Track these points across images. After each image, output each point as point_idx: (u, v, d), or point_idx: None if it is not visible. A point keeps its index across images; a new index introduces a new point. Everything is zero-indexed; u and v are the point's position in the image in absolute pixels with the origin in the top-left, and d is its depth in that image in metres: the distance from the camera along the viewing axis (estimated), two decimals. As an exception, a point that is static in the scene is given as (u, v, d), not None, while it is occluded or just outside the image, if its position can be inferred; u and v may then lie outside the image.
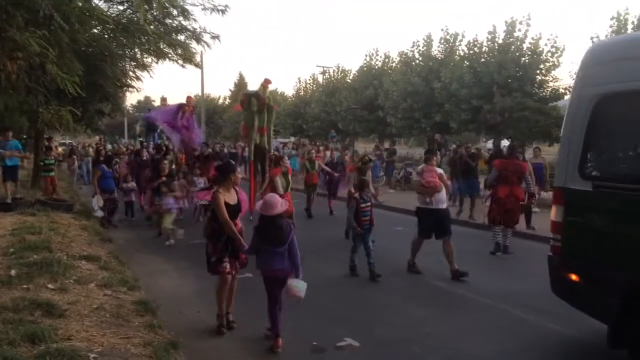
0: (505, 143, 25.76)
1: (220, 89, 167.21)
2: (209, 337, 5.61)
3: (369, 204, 8.03)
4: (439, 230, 8.13)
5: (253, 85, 70.68)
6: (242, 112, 13.80)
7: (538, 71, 25.90)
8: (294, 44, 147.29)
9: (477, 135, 33.99)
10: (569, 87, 26.22)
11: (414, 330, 5.80)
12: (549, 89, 26.18)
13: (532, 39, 25.81)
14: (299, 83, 47.73)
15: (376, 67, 37.24)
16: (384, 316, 6.28)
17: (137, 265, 8.53)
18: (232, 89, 64.24)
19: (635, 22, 23.78)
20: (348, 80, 39.71)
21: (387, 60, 37.24)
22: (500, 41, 26.49)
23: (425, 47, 31.56)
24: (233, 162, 6.24)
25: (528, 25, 25.92)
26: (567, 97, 26.42)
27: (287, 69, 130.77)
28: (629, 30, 23.83)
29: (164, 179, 11.30)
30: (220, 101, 66.26)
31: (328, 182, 15.26)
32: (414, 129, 32.10)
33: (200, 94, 42.27)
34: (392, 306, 6.71)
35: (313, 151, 15.20)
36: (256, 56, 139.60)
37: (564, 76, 43.69)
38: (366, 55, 40.57)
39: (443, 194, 8.20)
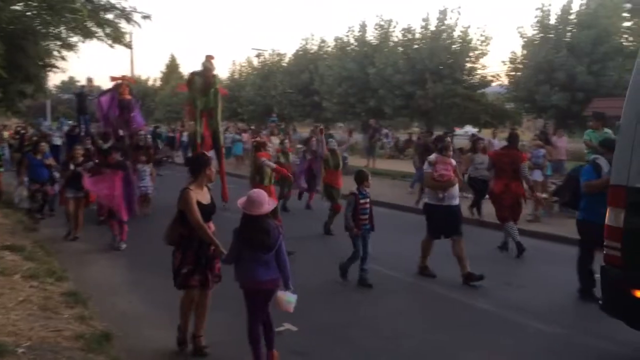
0: (471, 130, 26.36)
1: (151, 71, 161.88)
2: (143, 327, 5.48)
3: (368, 199, 7.01)
4: (450, 228, 7.29)
5: (186, 67, 68.98)
6: (188, 93, 12.79)
7: (468, 59, 26.74)
8: (228, 26, 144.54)
9: (411, 121, 34.75)
10: (497, 74, 27.30)
11: (351, 314, 5.92)
12: (478, 77, 27.12)
13: (463, 27, 26.59)
14: (234, 66, 47.00)
15: (312, 52, 37.20)
16: (322, 301, 6.36)
17: (66, 255, 8.20)
18: (164, 71, 62.47)
19: (559, 13, 24.96)
20: (283, 64, 39.46)
21: (322, 44, 37.27)
22: (433, 28, 27.11)
23: (360, 33, 31.81)
24: (207, 155, 5.24)
25: (459, 14, 26.69)
26: (494, 84, 27.52)
27: (222, 52, 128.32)
28: (552, 22, 25.00)
29: (72, 167, 9.56)
30: (151, 83, 64.21)
31: (308, 172, 12.52)
32: (348, 113, 32.41)
33: (129, 75, 40.75)
34: (329, 291, 6.81)
35: (287, 141, 13.55)
36: (189, 37, 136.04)
37: (491, 64, 45.33)
38: (302, 40, 40.46)
39: (456, 188, 7.39)
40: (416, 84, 26.30)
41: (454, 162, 7.46)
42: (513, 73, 26.42)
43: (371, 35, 31.54)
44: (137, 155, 11.92)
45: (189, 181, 4.83)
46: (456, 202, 7.34)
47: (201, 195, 4.78)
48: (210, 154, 15.50)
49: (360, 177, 6.99)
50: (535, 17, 25.43)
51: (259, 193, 4.40)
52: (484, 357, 4.98)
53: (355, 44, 31.84)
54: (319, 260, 8.18)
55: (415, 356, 4.95)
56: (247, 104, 40.31)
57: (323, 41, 37.40)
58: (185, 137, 25.02)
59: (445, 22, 26.76)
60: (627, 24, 26.04)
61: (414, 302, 6.61)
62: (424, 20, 27.55)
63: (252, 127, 28.85)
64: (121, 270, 7.60)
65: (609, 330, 5.28)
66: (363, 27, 31.76)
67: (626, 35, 24.93)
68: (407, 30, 28.41)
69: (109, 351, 4.59)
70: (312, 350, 5.00)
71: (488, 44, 26.54)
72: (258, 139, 11.48)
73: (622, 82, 22.92)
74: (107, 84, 13.43)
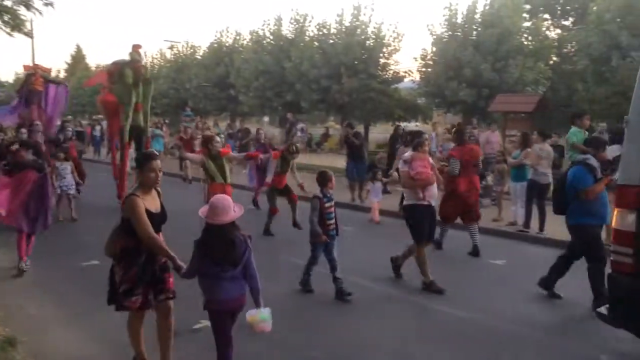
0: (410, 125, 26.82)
1: (54, 61, 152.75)
2: (51, 331, 5.21)
3: (333, 203, 6.44)
4: (430, 231, 6.89)
5: (92, 58, 65.70)
6: (110, 85, 11.86)
7: (381, 54, 27.45)
8: (138, 16, 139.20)
9: (327, 115, 35.19)
10: (409, 70, 28.23)
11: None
12: (391, 72, 27.91)
13: (376, 23, 27.25)
14: (145, 58, 45.33)
15: (227, 45, 36.66)
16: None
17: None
18: (69, 62, 59.27)
19: (465, 12, 26.15)
20: (198, 57, 38.60)
21: (238, 37, 36.83)
22: (348, 24, 27.58)
23: (275, 27, 31.74)
24: (153, 153, 4.50)
25: (372, 10, 27.30)
26: (406, 79, 28.44)
27: (132, 43, 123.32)
28: (459, 21, 26.16)
29: None
30: (54, 74, 60.66)
31: (256, 168, 11.79)
32: (265, 107, 32.29)
33: (30, 65, 38.27)
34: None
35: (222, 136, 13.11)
36: (96, 27, 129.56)
37: (404, 60, 46.80)
38: (217, 32, 39.75)
39: (435, 187, 6.97)
40: (332, 78, 26.65)
41: (430, 159, 7.08)
42: (424, 69, 27.40)
43: (287, 29, 31.57)
44: (51, 151, 10.82)
45: (135, 186, 4.18)
46: (434, 202, 6.91)
47: (149, 201, 4.09)
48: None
49: (324, 179, 6.37)
50: (444, 15, 26.52)
51: (223, 199, 3.88)
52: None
53: (271, 37, 31.73)
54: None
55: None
56: (160, 97, 39.10)
57: (238, 34, 36.99)
58: (97, 132, 23.84)
59: (360, 18, 27.31)
60: (527, 24, 27.79)
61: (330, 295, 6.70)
62: (338, 15, 27.97)
63: (167, 121, 28.03)
64: (29, 270, 7.15)
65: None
66: (279, 21, 31.71)
67: (526, 35, 26.58)
68: (322, 25, 28.71)
69: (14, 357, 4.33)
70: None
71: (400, 40, 27.38)
72: (208, 132, 11.07)
73: (522, 79, 24.46)
74: (6, 75, 12.52)
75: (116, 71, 11.47)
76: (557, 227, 9.26)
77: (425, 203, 6.73)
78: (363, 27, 27.26)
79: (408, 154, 7.04)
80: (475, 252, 8.31)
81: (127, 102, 11.32)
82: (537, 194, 9.31)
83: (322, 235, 6.19)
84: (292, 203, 9.69)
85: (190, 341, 5.05)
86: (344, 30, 27.64)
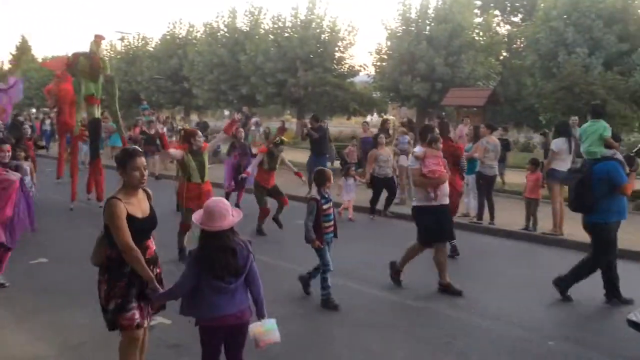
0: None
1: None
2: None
3: (331, 204, 5.86)
4: (444, 232, 6.29)
5: (39, 50, 63.30)
6: (64, 75, 11.34)
7: (336, 48, 27.55)
8: (88, 6, 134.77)
9: (283, 109, 35.11)
10: (364, 64, 28.43)
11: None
12: (347, 66, 28.05)
13: (331, 17, 27.32)
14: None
15: (180, 37, 36.02)
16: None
17: None
18: (14, 53, 57.03)
19: (418, 8, 26.50)
20: (150, 49, 37.77)
21: (191, 29, 36.23)
22: (303, 17, 27.53)
23: (230, 19, 31.37)
24: (135, 148, 3.75)
25: (327, 3, 27.36)
26: (362, 73, 28.64)
27: (80, 34, 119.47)
28: (413, 16, 26.49)
29: None
30: (-1, 65, 58.24)
31: (235, 169, 10.94)
32: (220, 100, 31.93)
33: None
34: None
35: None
36: (43, 17, 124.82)
37: (359, 54, 47.08)
38: (169, 24, 38.99)
39: (447, 185, 6.41)
40: (287, 72, 26.56)
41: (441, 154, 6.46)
42: (379, 63, 27.65)
43: (241, 22, 31.27)
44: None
45: (118, 187, 3.63)
46: (447, 200, 6.36)
47: (135, 205, 3.54)
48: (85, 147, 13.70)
49: (322, 178, 5.78)
50: (398, 10, 26.82)
51: (218, 202, 3.40)
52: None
53: (226, 30, 31.36)
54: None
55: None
56: (111, 90, 38.09)
57: (192, 26, 36.41)
58: (47, 126, 22.93)
59: (315, 11, 27.30)
60: (478, 19, 28.42)
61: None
62: (293, 9, 27.90)
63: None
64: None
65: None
66: (233, 13, 31.37)
67: (477, 31, 27.18)
68: (277, 19, 28.57)
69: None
70: (186, 342, 4.89)
71: (355, 34, 27.56)
72: (186, 126, 10.35)
73: (474, 74, 25.03)
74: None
75: (74, 62, 10.85)
76: (504, 219, 9.55)
77: (437, 204, 6.15)
78: (318, 20, 27.29)
79: (419, 149, 6.38)
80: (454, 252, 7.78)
81: (78, 93, 10.78)
82: (486, 186, 9.52)
83: (315, 241, 5.64)
84: (282, 205, 9.05)
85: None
86: (299, 23, 27.59)
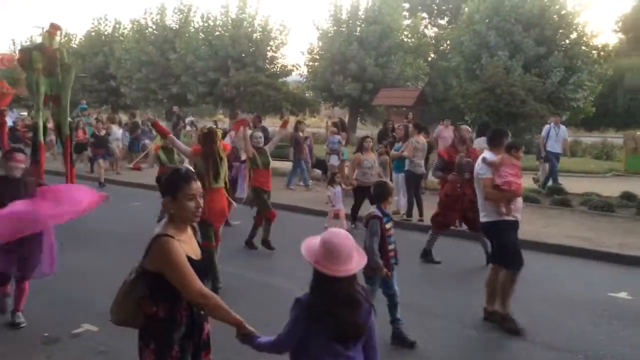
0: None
1: None
2: None
3: (392, 223, 5.01)
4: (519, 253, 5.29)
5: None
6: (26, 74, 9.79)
7: (269, 48, 27.54)
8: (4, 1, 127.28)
9: (215, 108, 34.66)
10: (297, 64, 28.58)
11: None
12: (279, 66, 28.10)
13: (263, 16, 27.26)
14: (14, 45, 41.75)
15: (106, 33, 34.82)
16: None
17: None
18: None
19: (349, 9, 26.92)
20: (73, 45, 36.28)
21: (118, 26, 35.10)
22: (234, 16, 27.33)
23: (159, 16, 30.66)
24: (188, 169, 2.84)
25: (258, 2, 27.32)
26: (294, 73, 28.78)
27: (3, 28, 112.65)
28: (344, 17, 26.88)
29: None
30: None
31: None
32: (150, 100, 31.17)
33: None
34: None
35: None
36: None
37: (292, 54, 47.15)
38: (94, 20, 37.59)
39: (521, 199, 5.60)
40: (219, 71, 26.29)
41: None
42: (311, 63, 27.87)
43: (171, 19, 30.64)
44: None
45: (165, 221, 2.75)
46: (520, 216, 5.45)
47: (187, 244, 2.74)
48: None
49: (383, 192, 4.96)
50: (329, 11, 27.14)
51: (344, 237, 2.56)
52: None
53: (154, 27, 30.62)
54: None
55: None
56: (32, 88, 36.30)
57: (118, 23, 35.27)
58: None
59: (246, 10, 27.17)
60: (407, 22, 29.23)
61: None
62: (223, 7, 27.65)
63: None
64: None
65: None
66: (162, 10, 30.67)
67: (406, 33, 27.95)
68: (208, 17, 28.23)
69: None
70: (114, 349, 4.80)
71: (287, 34, 27.64)
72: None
73: (403, 74, 25.73)
74: None
75: (25, 57, 9.52)
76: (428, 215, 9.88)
77: (511, 219, 5.26)
78: (250, 19, 27.16)
79: (490, 155, 5.35)
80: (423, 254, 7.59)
81: (36, 92, 9.39)
82: (414, 184, 9.85)
83: (383, 269, 4.70)
84: (270, 221, 8.00)
85: (71, 347, 4.81)
86: (230, 22, 27.36)
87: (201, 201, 2.74)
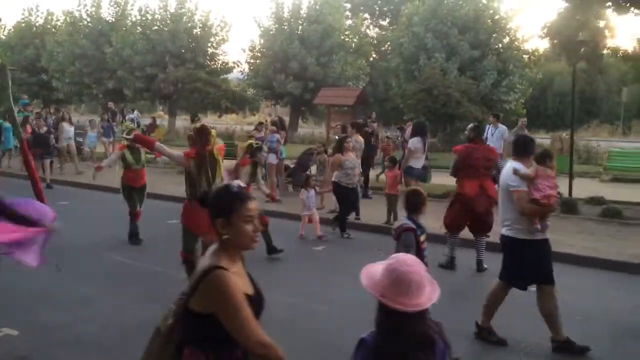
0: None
1: None
2: None
3: (426, 235, 4.58)
4: (544, 273, 4.77)
5: None
6: None
7: (209, 44, 27.14)
8: None
9: (152, 104, 33.87)
10: (237, 61, 28.29)
11: (71, 315, 5.56)
12: (220, 62, 27.75)
13: (204, 12, 26.84)
14: None
15: (37, 25, 33.31)
16: (44, 301, 5.84)
17: None
18: None
19: (291, 7, 26.90)
20: (2, 36, 34.52)
21: (50, 18, 33.65)
22: (173, 10, 26.77)
23: (94, 8, 29.61)
24: (243, 187, 2.36)
25: (199, -3, 26.86)
26: (235, 70, 28.50)
27: None
28: (286, 15, 26.83)
29: None
30: None
31: None
32: (84, 95, 30.08)
33: None
34: (56, 287, 6.31)
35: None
36: None
37: (233, 51, 46.65)
38: (24, 10, 35.91)
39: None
40: (157, 66, 25.68)
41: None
42: (252, 61, 27.68)
43: (106, 12, 29.67)
44: None
45: (214, 249, 2.26)
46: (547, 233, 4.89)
47: (241, 277, 2.29)
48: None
49: (416, 201, 4.52)
50: (271, 8, 27.04)
51: (413, 265, 2.17)
52: None
53: (89, 20, 29.55)
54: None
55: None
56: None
57: (50, 14, 33.83)
58: None
59: (186, 5, 26.68)
60: (348, 22, 29.52)
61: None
62: (161, 0, 27.03)
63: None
64: None
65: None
66: (97, 2, 29.64)
67: (348, 32, 28.22)
68: (145, 11, 27.51)
69: None
70: (34, 352, 4.61)
71: (228, 30, 27.31)
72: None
73: (344, 74, 25.97)
74: None
75: None
76: (370, 215, 10.05)
77: (540, 238, 4.77)
78: (189, 14, 26.67)
79: (520, 166, 4.80)
80: (479, 268, 7.03)
81: None
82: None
83: None
84: (264, 227, 7.30)
85: None
86: (169, 16, 26.77)
87: (259, 226, 2.30)
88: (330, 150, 10.82)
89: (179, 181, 9.52)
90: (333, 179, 8.90)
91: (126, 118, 25.07)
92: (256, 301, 2.25)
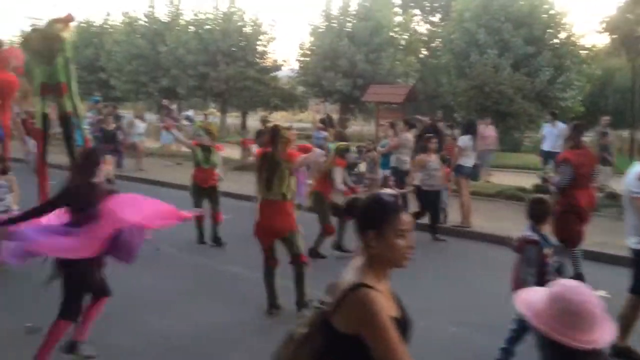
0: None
1: None
2: None
3: (552, 248, 4.14)
4: None
5: (-61, 34, 58.38)
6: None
7: (259, 42, 27.51)
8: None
9: (204, 102, 34.57)
10: (287, 59, 28.60)
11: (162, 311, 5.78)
12: (270, 60, 28.08)
13: (254, 10, 27.22)
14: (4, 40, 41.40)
15: (96, 25, 34.61)
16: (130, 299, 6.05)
17: None
18: None
19: (341, 5, 26.86)
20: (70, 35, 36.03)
21: (107, 18, 34.91)
22: (225, 10, 27.30)
23: (150, 9, 30.53)
24: (396, 197, 2.14)
25: (250, -4, 27.21)
26: (285, 68, 28.76)
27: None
28: (335, 12, 26.81)
29: None
30: None
31: None
32: (140, 93, 31.01)
33: None
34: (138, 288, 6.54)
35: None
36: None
37: (281, 49, 47.00)
38: (85, 11, 37.32)
39: None
40: (209, 64, 26.21)
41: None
42: (302, 59, 27.86)
43: (162, 12, 30.52)
44: None
45: (358, 264, 2.06)
46: None
47: (387, 297, 2.06)
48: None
49: (542, 211, 4.14)
50: (320, 7, 27.14)
51: (580, 290, 1.94)
52: None
53: (145, 20, 30.46)
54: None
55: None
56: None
57: (108, 14, 35.09)
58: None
59: (236, 4, 27.20)
60: (398, 18, 29.26)
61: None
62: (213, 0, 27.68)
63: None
64: None
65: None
66: (152, 2, 30.56)
67: (397, 29, 27.98)
68: (198, 10, 28.18)
69: None
70: (94, 338, 4.79)
71: (276, 28, 27.59)
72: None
73: (393, 71, 25.77)
74: None
75: (27, 40, 8.70)
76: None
77: None
78: (240, 13, 27.13)
79: None
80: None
81: (35, 82, 8.47)
82: (400, 181, 9.91)
83: None
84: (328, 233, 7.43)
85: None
86: (220, 15, 27.29)
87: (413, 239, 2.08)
88: (380, 148, 10.79)
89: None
90: (416, 182, 8.54)
91: (181, 115, 25.67)
92: (403, 324, 2.03)
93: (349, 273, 2.03)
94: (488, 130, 13.14)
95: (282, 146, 5.19)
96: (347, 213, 2.25)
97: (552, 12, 23.27)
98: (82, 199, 4.07)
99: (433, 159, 8.52)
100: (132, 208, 4.17)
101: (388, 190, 2.12)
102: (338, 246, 7.50)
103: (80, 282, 4.07)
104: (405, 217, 2.03)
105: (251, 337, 4.98)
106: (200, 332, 5.05)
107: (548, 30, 22.92)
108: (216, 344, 4.84)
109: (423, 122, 12.81)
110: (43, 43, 8.28)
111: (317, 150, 6.17)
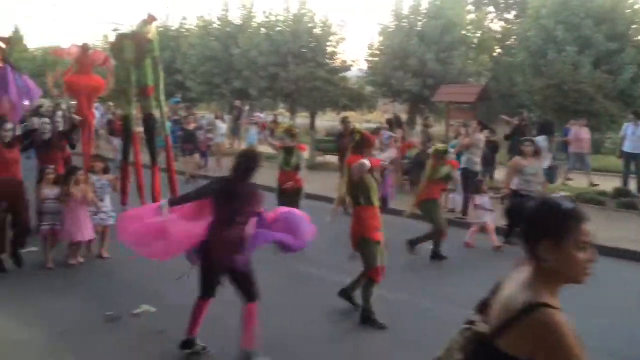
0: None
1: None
2: None
3: None
4: None
5: (31, 42, 62.69)
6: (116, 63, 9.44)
7: (329, 43, 27.72)
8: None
9: (275, 103, 35.21)
10: (356, 59, 28.64)
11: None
12: (339, 61, 28.23)
13: (323, 11, 27.46)
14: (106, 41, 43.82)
15: (173, 29, 36.03)
16: (179, 284, 6.29)
17: None
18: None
19: (411, 4, 26.60)
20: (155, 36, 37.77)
21: (184, 22, 36.25)
22: (295, 11, 27.71)
23: (223, 12, 31.45)
24: (578, 205, 1.91)
25: (320, -1, 27.49)
26: (354, 68, 28.82)
27: (71, 26, 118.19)
28: (405, 12, 26.56)
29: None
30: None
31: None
32: (214, 94, 32.00)
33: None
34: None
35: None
36: (35, 8, 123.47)
37: (350, 49, 47.09)
38: (162, 15, 38.86)
39: None
40: (280, 66, 26.68)
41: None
42: (371, 59, 27.80)
43: (235, 15, 31.36)
44: (54, 154, 7.81)
45: (527, 278, 1.84)
46: None
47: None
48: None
49: None
50: (390, 6, 26.98)
51: None
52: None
53: (219, 23, 31.41)
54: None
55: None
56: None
57: (184, 18, 36.43)
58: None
59: (307, 5, 27.53)
60: (470, 16, 28.59)
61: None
62: (285, 2, 28.14)
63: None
64: None
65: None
66: (226, 6, 31.45)
67: (469, 27, 27.35)
68: (270, 12, 28.74)
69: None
70: (172, 328, 5.02)
71: (346, 29, 27.72)
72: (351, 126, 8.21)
73: (465, 70, 25.19)
74: None
75: (117, 46, 8.94)
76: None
77: None
78: (310, 14, 27.45)
79: None
80: None
81: (127, 84, 8.81)
82: (471, 182, 9.67)
83: None
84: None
85: (132, 325, 5.10)
86: (291, 17, 27.73)
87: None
88: (451, 150, 10.55)
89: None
90: (512, 187, 8.09)
91: (256, 117, 26.18)
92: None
93: (513, 288, 1.82)
94: (583, 133, 12.25)
95: (368, 151, 5.20)
96: (511, 218, 1.91)
97: (636, 7, 22.02)
98: (232, 197, 4.35)
99: (531, 164, 8.03)
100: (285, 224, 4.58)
101: (561, 194, 1.91)
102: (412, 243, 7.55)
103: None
104: (588, 228, 1.79)
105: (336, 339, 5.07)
106: (292, 330, 5.16)
107: (632, 26, 21.69)
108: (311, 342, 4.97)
109: (511, 123, 12.46)
110: (134, 47, 8.59)
111: (392, 151, 6.39)
